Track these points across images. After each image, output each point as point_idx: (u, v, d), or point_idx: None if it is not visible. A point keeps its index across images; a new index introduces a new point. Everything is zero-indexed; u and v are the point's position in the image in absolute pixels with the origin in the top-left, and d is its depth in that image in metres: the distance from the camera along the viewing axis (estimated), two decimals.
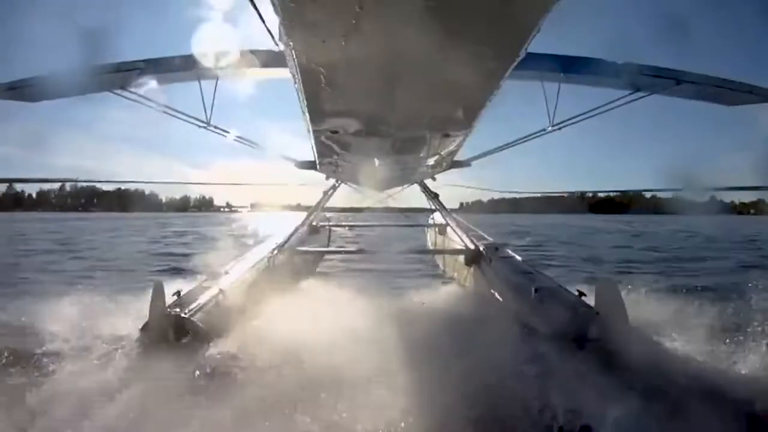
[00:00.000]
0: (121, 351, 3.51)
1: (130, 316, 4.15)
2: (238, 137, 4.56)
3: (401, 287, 6.76)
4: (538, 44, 1.96)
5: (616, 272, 9.43)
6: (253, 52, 3.65)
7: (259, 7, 1.87)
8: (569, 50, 3.84)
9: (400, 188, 7.40)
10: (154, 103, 3.92)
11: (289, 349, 3.42)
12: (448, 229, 7.56)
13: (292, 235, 6.43)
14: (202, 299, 4.19)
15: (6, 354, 3.48)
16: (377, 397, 2.79)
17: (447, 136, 3.42)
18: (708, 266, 11.21)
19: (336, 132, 3.17)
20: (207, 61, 3.53)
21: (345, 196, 7.42)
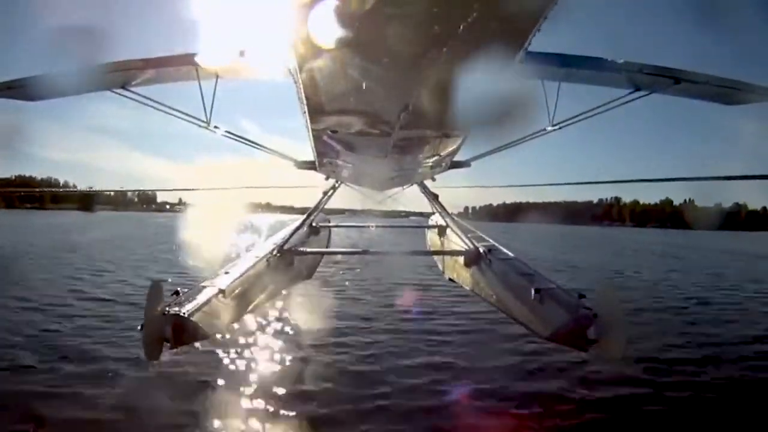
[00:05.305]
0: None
1: None
2: (237, 136, 4.56)
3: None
4: (538, 43, 1.96)
5: None
6: (252, 50, 3.64)
7: (258, 6, 1.86)
8: (568, 49, 3.85)
9: (400, 188, 7.40)
10: (153, 103, 3.92)
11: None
12: (448, 230, 7.56)
13: (291, 235, 6.43)
14: (201, 299, 4.18)
15: None
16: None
17: (447, 136, 3.42)
18: None
19: (336, 131, 3.17)
20: (206, 60, 3.53)
21: (343, 197, 7.40)
